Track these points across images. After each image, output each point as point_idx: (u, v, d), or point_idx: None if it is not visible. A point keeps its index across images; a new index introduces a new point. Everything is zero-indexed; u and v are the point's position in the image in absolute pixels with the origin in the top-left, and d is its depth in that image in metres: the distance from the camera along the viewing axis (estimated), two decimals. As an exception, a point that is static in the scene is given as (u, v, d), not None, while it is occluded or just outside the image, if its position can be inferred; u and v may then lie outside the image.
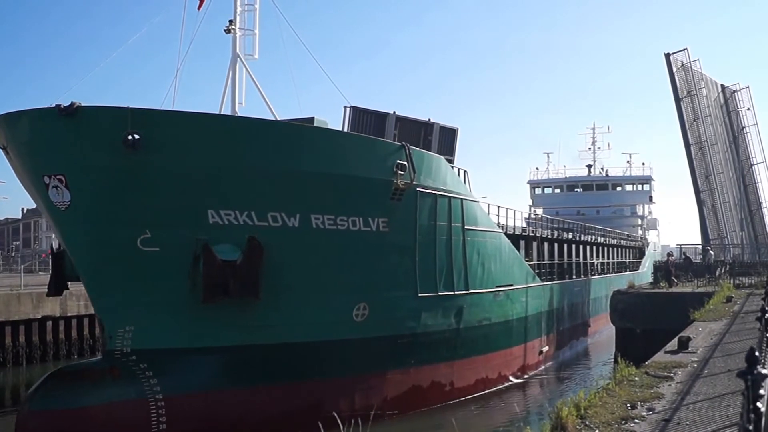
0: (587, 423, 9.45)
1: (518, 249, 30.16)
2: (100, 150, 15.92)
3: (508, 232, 28.45)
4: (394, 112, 26.35)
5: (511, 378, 27.12)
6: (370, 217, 19.24)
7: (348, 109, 25.45)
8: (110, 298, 17.19)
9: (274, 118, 21.83)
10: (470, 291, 23.50)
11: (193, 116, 16.70)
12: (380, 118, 25.71)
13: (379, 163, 19.11)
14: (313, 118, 20.17)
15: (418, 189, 20.37)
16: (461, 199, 22.82)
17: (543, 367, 31.17)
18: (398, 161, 19.38)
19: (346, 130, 25.51)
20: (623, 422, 9.48)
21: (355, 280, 19.56)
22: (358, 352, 20.02)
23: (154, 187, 16.46)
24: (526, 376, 28.51)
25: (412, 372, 21.65)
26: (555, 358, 33.72)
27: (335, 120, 23.75)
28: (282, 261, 18.05)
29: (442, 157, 22.09)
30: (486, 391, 25.06)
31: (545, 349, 31.52)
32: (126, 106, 15.86)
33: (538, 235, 33.02)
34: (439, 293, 22.04)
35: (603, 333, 44.83)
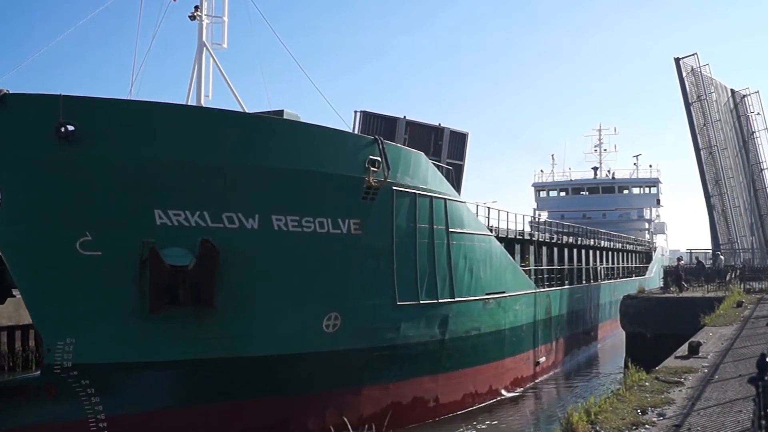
0: (598, 429, 9.44)
1: (513, 254, 28.37)
2: (30, 142, 14.32)
3: (500, 236, 26.62)
4: (405, 117, 26.25)
5: (503, 392, 25.30)
6: (340, 218, 17.50)
7: (358, 114, 25.23)
8: (48, 308, 15.54)
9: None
10: (456, 299, 21.71)
11: (134, 105, 15.07)
12: (390, 122, 25.70)
13: (348, 159, 17.37)
14: (282, 111, 18.48)
15: (394, 187, 18.62)
16: (444, 199, 21.01)
17: (540, 379, 29.33)
18: (371, 157, 17.63)
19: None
20: (634, 428, 9.48)
21: (324, 287, 17.85)
22: (330, 366, 18.33)
23: (93, 184, 14.83)
24: (520, 390, 26.67)
25: (391, 387, 19.92)
26: (554, 369, 31.87)
27: (345, 124, 22.72)
28: (241, 266, 16.39)
29: (421, 153, 20.29)
30: (475, 407, 23.31)
31: (542, 359, 29.66)
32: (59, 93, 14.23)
33: (535, 239, 31.11)
34: (421, 301, 20.26)
35: (607, 341, 43.10)
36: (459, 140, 28.81)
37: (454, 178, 30.15)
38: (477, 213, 24.77)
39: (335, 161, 17.07)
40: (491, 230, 26.06)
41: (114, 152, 14.76)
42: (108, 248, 15.22)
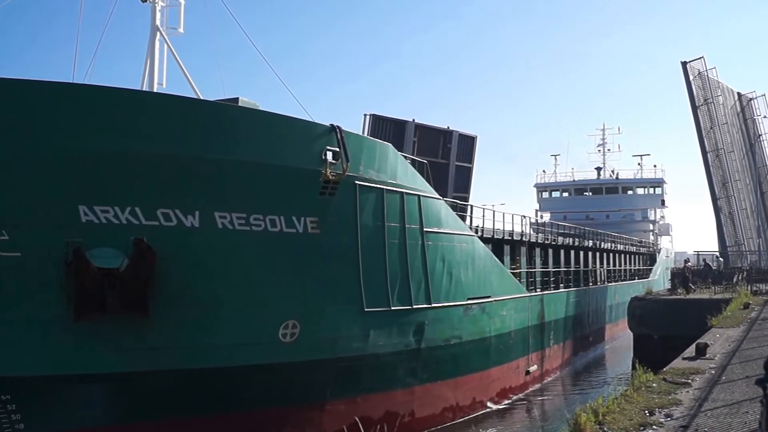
0: (605, 429, 9.48)
1: (502, 255, 26.58)
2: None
3: (485, 236, 24.81)
4: (414, 120, 26.68)
5: (488, 404, 23.51)
6: (294, 216, 15.76)
7: (368, 117, 25.32)
8: None
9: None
10: (433, 305, 19.91)
11: (52, 87, 13.35)
12: (399, 125, 26.08)
13: (301, 149, 15.59)
14: (237, 99, 16.75)
15: (357, 182, 16.86)
16: (418, 195, 19.21)
17: (531, 389, 27.50)
18: (328, 147, 15.88)
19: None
20: (641, 428, 9.53)
21: (279, 292, 16.12)
22: (288, 379, 16.63)
23: (6, 176, 13.15)
24: (508, 401, 24.88)
25: (359, 401, 18.17)
26: (548, 377, 30.02)
27: (355, 128, 22.37)
28: (181, 269, 14.71)
29: (389, 144, 18.48)
30: (457, 421, 21.57)
31: (533, 368, 27.83)
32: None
33: (526, 239, 29.23)
34: (392, 308, 18.49)
35: (607, 347, 41.29)
36: (467, 143, 29.21)
37: (463, 180, 29.78)
38: (457, 211, 22.87)
39: (286, 151, 15.30)
40: (477, 230, 24.31)
41: (30, 140, 13.10)
42: (27, 249, 13.57)
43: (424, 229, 19.35)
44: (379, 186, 17.58)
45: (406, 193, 18.63)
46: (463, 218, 26.55)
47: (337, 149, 15.85)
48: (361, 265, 17.39)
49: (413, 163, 19.76)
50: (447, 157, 28.83)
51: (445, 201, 21.47)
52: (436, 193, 20.43)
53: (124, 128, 13.56)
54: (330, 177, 15.71)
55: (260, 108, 16.58)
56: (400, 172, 18.49)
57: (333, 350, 17.32)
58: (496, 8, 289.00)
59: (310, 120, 16.61)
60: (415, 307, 19.25)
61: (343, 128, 16.12)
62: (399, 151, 26.56)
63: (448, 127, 28.64)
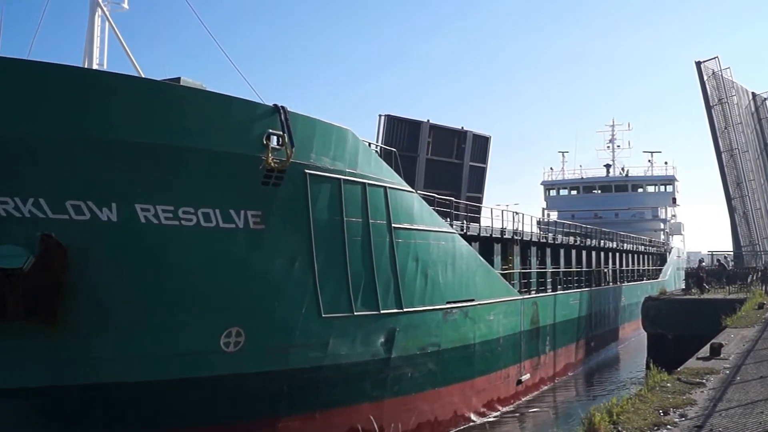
0: (620, 429, 9.46)
1: (492, 255, 24.57)
2: None
3: (471, 234, 22.79)
4: (428, 120, 26.97)
5: (472, 417, 21.49)
6: (233, 209, 13.85)
7: (383, 118, 25.39)
8: None
9: None
10: (405, 309, 17.95)
11: None
12: (414, 126, 26.40)
13: (237, 132, 13.64)
14: (179, 78, 14.86)
15: (307, 171, 14.92)
16: (384, 187, 17.23)
17: (523, 399, 25.43)
18: (270, 131, 13.96)
19: (380, 138, 24.69)
20: (656, 428, 9.49)
21: (219, 296, 14.26)
22: (233, 394, 14.79)
23: None
24: (495, 414, 22.84)
25: (318, 417, 16.28)
26: (543, 386, 27.93)
27: (371, 128, 20.93)
28: (99, 269, 12.89)
29: (349, 129, 16.47)
30: (435, 436, 19.59)
31: (526, 377, 25.76)
32: None
33: (518, 238, 27.13)
34: (356, 313, 16.57)
35: (610, 353, 39.11)
36: (481, 143, 29.57)
37: (477, 180, 30.02)
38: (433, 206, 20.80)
39: (219, 134, 13.38)
40: (462, 228, 22.30)
41: None
42: None
43: (393, 225, 17.38)
44: (334, 176, 15.61)
45: (370, 184, 16.65)
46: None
47: (281, 132, 13.93)
48: (316, 264, 15.47)
49: (379, 150, 17.77)
50: (461, 158, 29.05)
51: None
52: (406, 184, 18.43)
53: (21, 107, 11.74)
54: (272, 164, 13.79)
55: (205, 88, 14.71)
56: (362, 160, 16.50)
57: (285, 361, 15.44)
58: (508, 11, 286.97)
59: (259, 101, 14.71)
60: (383, 312, 17.31)
61: (290, 109, 14.19)
62: (413, 152, 25.75)
63: (462, 128, 28.88)
